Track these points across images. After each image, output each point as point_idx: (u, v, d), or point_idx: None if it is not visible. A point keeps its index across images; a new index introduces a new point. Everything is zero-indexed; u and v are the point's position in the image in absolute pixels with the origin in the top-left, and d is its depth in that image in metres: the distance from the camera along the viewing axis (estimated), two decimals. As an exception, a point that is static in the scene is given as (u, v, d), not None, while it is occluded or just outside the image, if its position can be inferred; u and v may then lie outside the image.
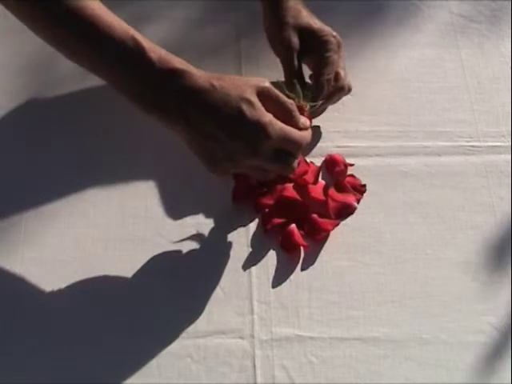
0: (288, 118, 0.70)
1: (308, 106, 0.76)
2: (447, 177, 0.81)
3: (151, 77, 0.66)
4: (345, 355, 0.70)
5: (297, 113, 0.71)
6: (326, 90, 0.79)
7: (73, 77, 0.86)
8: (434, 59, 0.91)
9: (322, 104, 0.79)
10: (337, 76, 0.79)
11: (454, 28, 0.93)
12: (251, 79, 0.69)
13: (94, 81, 0.83)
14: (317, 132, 0.83)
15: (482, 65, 0.90)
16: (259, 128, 0.66)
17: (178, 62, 0.67)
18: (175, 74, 0.66)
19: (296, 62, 0.80)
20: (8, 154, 0.81)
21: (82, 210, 0.77)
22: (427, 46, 0.92)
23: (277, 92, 0.70)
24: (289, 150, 0.69)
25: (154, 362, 0.69)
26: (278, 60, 0.87)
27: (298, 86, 0.76)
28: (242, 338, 0.71)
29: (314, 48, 0.80)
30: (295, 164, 0.71)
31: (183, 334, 0.71)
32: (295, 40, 0.80)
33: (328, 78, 0.79)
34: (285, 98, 0.70)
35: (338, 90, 0.80)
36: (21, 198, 0.78)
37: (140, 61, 0.66)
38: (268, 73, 0.88)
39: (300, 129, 0.70)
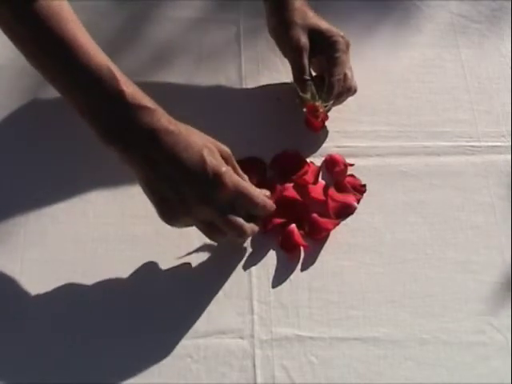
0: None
1: (323, 107, 0.77)
2: (447, 177, 0.81)
3: (120, 109, 0.65)
4: (345, 355, 0.70)
5: (249, 182, 0.72)
6: (336, 90, 0.79)
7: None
8: (434, 59, 0.91)
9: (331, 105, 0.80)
10: (344, 77, 0.79)
11: (453, 28, 0.93)
12: (216, 141, 0.70)
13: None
14: (323, 132, 0.83)
15: (482, 65, 0.90)
16: (216, 175, 0.67)
17: (149, 101, 0.67)
18: (144, 111, 0.66)
19: (306, 62, 0.79)
20: (8, 154, 0.81)
21: (82, 210, 0.78)
22: (427, 46, 0.92)
23: (233, 159, 0.71)
24: (245, 209, 0.69)
25: (153, 362, 0.69)
26: (277, 60, 0.88)
27: (312, 87, 0.76)
28: (241, 338, 0.71)
29: (323, 48, 0.80)
30: (249, 228, 0.70)
31: (183, 334, 0.71)
32: (304, 39, 0.80)
33: (338, 78, 0.79)
34: (238, 168, 0.72)
35: (346, 90, 0.80)
36: (21, 198, 0.78)
37: (112, 93, 0.65)
38: (268, 73, 0.88)
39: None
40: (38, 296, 0.72)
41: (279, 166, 0.81)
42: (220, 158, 0.69)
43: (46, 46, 0.65)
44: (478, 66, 0.90)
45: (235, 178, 0.69)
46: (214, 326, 0.71)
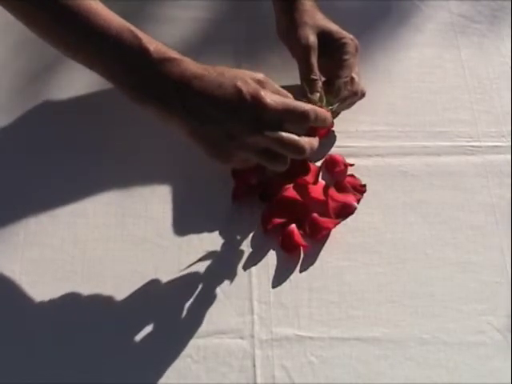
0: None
1: (329, 111, 0.77)
2: (447, 177, 0.81)
3: (148, 66, 0.67)
4: (345, 355, 0.70)
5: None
6: (342, 93, 0.78)
7: (74, 76, 0.86)
8: (433, 59, 0.91)
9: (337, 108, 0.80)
10: (351, 80, 0.79)
11: (453, 28, 0.93)
12: (248, 71, 0.70)
13: (94, 81, 0.84)
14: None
15: (482, 65, 0.90)
16: (257, 100, 0.66)
17: (174, 53, 0.68)
18: (171, 63, 0.67)
19: (315, 61, 0.79)
20: (8, 154, 0.81)
21: (82, 210, 0.77)
22: (427, 46, 0.92)
23: (273, 83, 0.70)
24: (297, 122, 0.68)
25: (153, 362, 0.69)
26: (277, 60, 0.88)
27: (321, 90, 0.77)
28: (241, 338, 0.71)
29: (332, 50, 0.80)
30: (306, 142, 0.68)
31: (183, 334, 0.71)
32: (313, 38, 0.79)
33: (345, 81, 0.78)
34: (281, 89, 0.70)
35: (352, 94, 0.80)
36: (21, 198, 0.78)
37: (137, 51, 0.67)
38: (268, 73, 0.88)
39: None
40: (38, 296, 0.72)
41: (279, 166, 0.81)
42: (254, 83, 0.68)
43: (65, 21, 0.67)
44: (478, 66, 0.90)
45: (276, 96, 0.67)
46: (214, 326, 0.71)
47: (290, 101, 0.68)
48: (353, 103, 0.82)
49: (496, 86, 0.88)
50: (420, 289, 0.74)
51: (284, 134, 0.67)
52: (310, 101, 0.78)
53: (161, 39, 0.90)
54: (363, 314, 0.72)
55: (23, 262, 0.74)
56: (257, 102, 0.66)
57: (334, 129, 0.83)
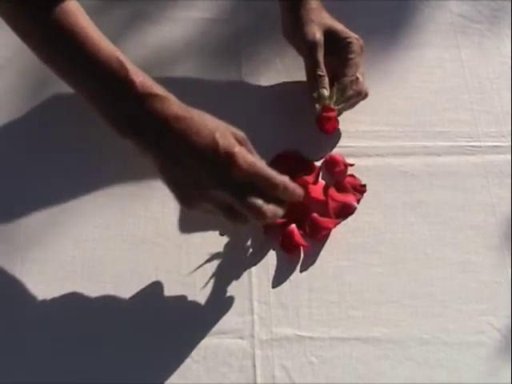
0: None
1: (336, 108, 0.78)
2: (447, 177, 0.81)
3: (131, 99, 0.66)
4: (345, 355, 0.70)
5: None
6: (348, 91, 0.79)
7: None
8: (434, 59, 0.91)
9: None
10: (356, 80, 0.79)
11: (453, 28, 0.93)
12: (231, 126, 0.69)
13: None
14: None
15: (482, 65, 0.90)
16: (228, 155, 0.65)
17: (159, 89, 0.67)
18: (155, 99, 0.66)
19: (321, 58, 0.79)
20: (8, 154, 0.81)
21: (82, 210, 0.78)
22: (427, 46, 0.92)
23: (249, 144, 0.69)
24: (262, 187, 0.66)
25: (153, 362, 0.69)
26: (277, 60, 0.88)
27: (329, 88, 0.77)
28: (241, 338, 0.71)
29: (337, 49, 0.80)
30: (268, 210, 0.66)
31: (183, 334, 0.71)
32: (319, 35, 0.80)
33: (351, 80, 0.79)
34: (256, 154, 0.69)
35: (356, 93, 0.80)
36: (21, 197, 0.78)
37: (122, 83, 0.66)
38: (268, 72, 0.88)
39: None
40: (38, 296, 0.72)
41: (279, 166, 0.81)
42: (233, 140, 0.67)
43: (55, 40, 0.67)
44: (478, 65, 0.90)
45: (249, 158, 0.66)
46: (214, 326, 0.71)
47: (262, 167, 0.66)
48: (356, 103, 0.82)
49: (496, 86, 0.88)
50: (420, 289, 0.74)
51: (248, 198, 0.65)
52: (320, 96, 0.78)
53: (161, 39, 0.91)
54: (363, 314, 0.72)
55: (23, 262, 0.74)
56: (230, 160, 0.65)
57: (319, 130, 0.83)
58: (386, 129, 0.84)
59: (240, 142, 0.68)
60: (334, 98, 0.79)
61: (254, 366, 0.69)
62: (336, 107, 0.79)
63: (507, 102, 0.87)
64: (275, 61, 0.88)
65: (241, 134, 0.69)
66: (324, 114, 0.79)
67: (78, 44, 0.66)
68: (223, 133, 0.67)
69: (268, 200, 0.66)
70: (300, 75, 0.86)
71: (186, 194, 0.68)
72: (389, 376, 0.69)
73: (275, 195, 0.67)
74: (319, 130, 0.81)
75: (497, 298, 0.74)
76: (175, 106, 0.67)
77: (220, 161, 0.65)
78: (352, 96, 0.80)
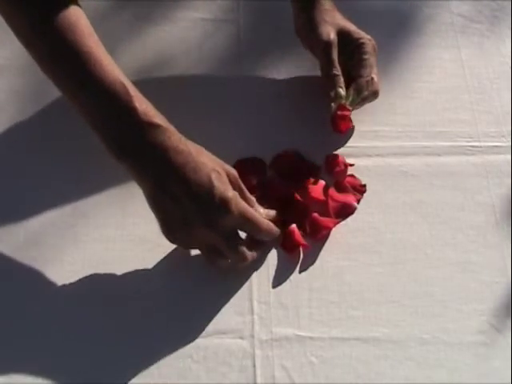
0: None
1: (350, 108, 0.79)
2: (447, 177, 0.81)
3: (132, 126, 0.66)
4: (345, 355, 0.70)
5: (256, 204, 0.73)
6: (364, 92, 0.80)
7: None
8: (433, 59, 0.91)
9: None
10: (371, 80, 0.80)
11: (453, 28, 0.93)
12: (224, 163, 0.71)
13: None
14: (323, 132, 0.83)
15: (482, 65, 0.90)
16: (222, 201, 0.67)
17: (160, 119, 0.67)
18: (156, 130, 0.66)
19: (336, 57, 0.80)
20: (8, 154, 0.81)
21: (82, 210, 0.78)
22: (427, 46, 0.92)
23: (242, 185, 0.71)
24: (250, 233, 0.71)
25: (153, 362, 0.69)
26: (277, 60, 0.88)
27: (344, 88, 0.79)
28: (241, 338, 0.71)
29: (351, 50, 0.81)
30: (250, 255, 0.71)
31: (183, 334, 0.71)
32: (333, 35, 0.80)
33: (367, 80, 0.80)
34: (246, 191, 0.72)
35: (371, 94, 0.81)
36: (21, 198, 0.78)
37: (125, 108, 0.66)
38: (268, 72, 0.88)
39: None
40: (38, 296, 0.72)
41: (279, 166, 0.81)
42: (227, 182, 0.69)
43: (61, 60, 0.66)
44: (478, 65, 0.90)
45: (241, 204, 0.69)
46: (214, 326, 0.71)
47: (251, 215, 0.70)
48: (369, 102, 0.82)
49: (496, 86, 0.88)
50: (420, 289, 0.74)
51: (235, 243, 0.70)
52: (335, 96, 0.79)
53: (161, 40, 0.91)
54: (363, 314, 0.72)
55: (23, 262, 0.74)
56: (223, 205, 0.67)
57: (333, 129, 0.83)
58: (386, 129, 0.84)
59: (233, 183, 0.70)
60: (351, 97, 0.79)
61: (254, 366, 0.69)
62: (351, 107, 0.80)
63: (507, 101, 0.87)
64: (275, 61, 0.88)
65: (233, 172, 0.71)
66: (339, 112, 0.80)
67: (81, 63, 0.65)
68: (219, 174, 0.68)
69: (248, 240, 0.72)
70: (300, 75, 0.86)
71: (171, 228, 0.69)
72: (389, 376, 0.69)
73: (258, 237, 0.72)
74: (333, 129, 0.81)
75: (497, 298, 0.73)
76: (175, 138, 0.67)
77: (213, 204, 0.67)
78: (368, 96, 0.81)
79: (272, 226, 0.72)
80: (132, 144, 0.67)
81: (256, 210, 0.72)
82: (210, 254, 0.71)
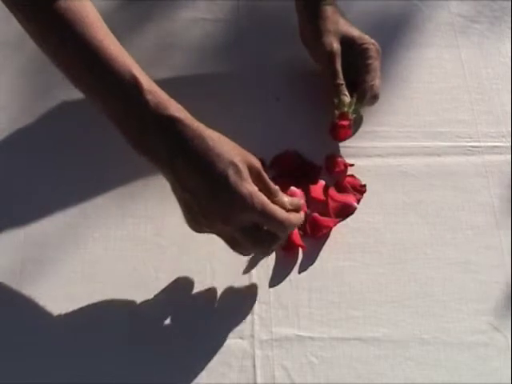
0: (272, 200, 0.67)
1: (352, 117, 0.79)
2: (447, 177, 0.81)
3: (145, 120, 0.64)
4: (345, 355, 0.70)
5: (280, 194, 0.69)
6: (368, 96, 0.80)
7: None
8: (433, 59, 0.91)
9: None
10: (373, 85, 0.81)
11: (453, 28, 0.93)
12: (247, 152, 0.67)
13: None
14: (323, 132, 0.83)
15: (481, 65, 0.90)
16: (238, 196, 0.64)
17: (175, 110, 0.65)
18: (169, 123, 0.64)
19: (339, 67, 0.81)
20: (8, 153, 0.81)
21: (83, 210, 0.77)
22: (427, 46, 0.92)
23: (265, 175, 0.68)
24: (270, 230, 0.67)
25: (153, 362, 0.69)
26: (278, 61, 0.88)
27: (349, 96, 0.79)
28: (241, 338, 0.71)
29: (355, 55, 0.81)
30: (271, 248, 0.69)
31: (183, 334, 0.70)
32: (337, 45, 0.81)
33: (371, 85, 0.80)
34: (271, 182, 0.68)
35: (372, 98, 0.81)
36: (21, 198, 0.78)
37: (136, 101, 0.64)
38: (267, 73, 0.88)
39: (288, 210, 0.68)
40: (38, 296, 0.72)
41: (279, 166, 0.81)
42: (246, 176, 0.65)
43: (73, 53, 0.65)
44: (478, 65, 0.90)
45: (260, 199, 0.65)
46: (214, 326, 0.71)
47: (270, 209, 0.65)
48: (368, 106, 0.83)
49: (496, 86, 0.88)
50: (420, 289, 0.74)
51: (254, 238, 0.66)
52: (340, 102, 0.79)
53: (161, 39, 0.91)
54: (363, 314, 0.72)
55: (23, 262, 0.74)
56: (239, 202, 0.64)
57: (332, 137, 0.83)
58: (386, 129, 0.84)
59: (255, 175, 0.67)
60: (353, 106, 0.80)
61: (254, 366, 0.69)
62: (353, 115, 0.80)
63: (507, 101, 0.87)
64: (275, 61, 0.88)
65: (255, 163, 0.67)
66: (339, 122, 0.80)
67: (94, 55, 0.64)
68: (237, 168, 0.64)
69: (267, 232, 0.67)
70: (300, 75, 0.86)
71: (193, 219, 0.67)
72: (389, 376, 0.69)
73: (278, 233, 0.68)
74: (332, 137, 0.81)
75: (497, 298, 0.74)
76: (191, 129, 0.65)
77: (229, 201, 0.64)
78: (370, 101, 0.82)
79: (292, 219, 0.67)
80: (145, 138, 0.64)
81: (280, 201, 0.68)
82: (233, 245, 0.68)
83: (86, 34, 0.64)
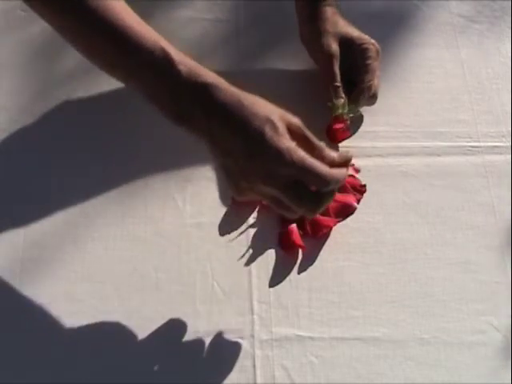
0: (318, 157, 0.65)
1: (348, 117, 0.80)
2: (447, 177, 0.81)
3: (179, 90, 0.64)
4: (345, 355, 0.70)
5: (326, 150, 0.66)
6: (366, 97, 0.81)
7: (74, 75, 0.86)
8: (433, 59, 0.91)
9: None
10: (371, 85, 0.81)
11: (453, 28, 0.93)
12: (286, 112, 0.66)
13: (94, 81, 0.84)
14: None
15: (482, 65, 0.90)
16: (276, 152, 0.62)
17: (208, 76, 0.65)
18: (203, 88, 0.64)
19: (337, 69, 0.81)
20: (8, 153, 0.81)
21: (82, 210, 0.77)
22: (427, 46, 0.92)
23: (308, 131, 0.66)
24: (312, 185, 0.64)
25: (153, 362, 0.69)
26: (277, 60, 0.88)
27: (345, 98, 0.80)
28: (241, 338, 0.71)
29: (354, 55, 0.81)
30: (318, 204, 0.65)
31: (183, 334, 0.71)
32: (335, 46, 0.81)
33: (369, 85, 0.80)
34: (314, 138, 0.66)
35: (370, 98, 0.81)
36: (21, 198, 0.78)
37: (168, 73, 0.64)
38: (267, 73, 0.88)
39: (332, 166, 0.65)
40: (38, 296, 0.72)
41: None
42: (284, 132, 0.64)
43: (98, 36, 0.65)
44: (478, 65, 0.90)
45: (298, 154, 0.63)
46: (214, 326, 0.71)
47: (311, 164, 0.63)
48: (367, 106, 0.83)
49: (496, 86, 0.88)
50: (420, 289, 0.74)
51: (298, 196, 0.64)
52: (334, 106, 0.80)
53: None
54: (363, 314, 0.72)
55: (23, 262, 0.74)
56: (276, 158, 0.62)
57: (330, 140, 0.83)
58: (386, 129, 0.84)
59: (294, 132, 0.65)
60: (347, 106, 0.80)
61: (254, 366, 0.69)
62: (349, 115, 0.81)
63: (507, 101, 0.87)
64: (275, 61, 0.88)
65: (295, 121, 0.66)
66: (334, 126, 0.81)
67: (121, 35, 0.64)
68: (274, 125, 0.63)
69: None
70: (299, 75, 0.86)
71: (234, 184, 0.66)
72: (389, 376, 0.69)
73: (324, 189, 0.65)
74: (329, 140, 0.81)
75: (497, 298, 0.74)
76: (224, 93, 0.64)
77: (266, 158, 0.63)
78: (369, 101, 0.82)
79: (335, 174, 0.64)
80: (181, 108, 0.65)
81: (327, 156, 0.66)
82: (279, 207, 0.66)
83: (109, 17, 0.65)
